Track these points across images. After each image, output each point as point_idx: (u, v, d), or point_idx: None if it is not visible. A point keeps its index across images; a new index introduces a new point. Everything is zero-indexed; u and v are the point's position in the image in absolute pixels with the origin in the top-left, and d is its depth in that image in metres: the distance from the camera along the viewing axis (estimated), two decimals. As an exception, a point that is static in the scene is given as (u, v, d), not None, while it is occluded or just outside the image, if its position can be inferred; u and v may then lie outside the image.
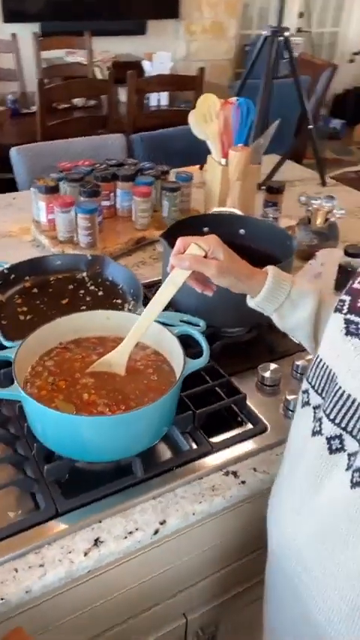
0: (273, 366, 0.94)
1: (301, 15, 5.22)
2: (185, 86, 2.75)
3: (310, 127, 1.68)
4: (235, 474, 0.79)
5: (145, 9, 4.19)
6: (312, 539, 0.60)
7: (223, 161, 1.33)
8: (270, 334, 1.01)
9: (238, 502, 0.78)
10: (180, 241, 0.75)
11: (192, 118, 1.32)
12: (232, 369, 0.95)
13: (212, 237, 0.75)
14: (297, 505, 0.63)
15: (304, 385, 0.65)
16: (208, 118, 1.32)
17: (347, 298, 0.60)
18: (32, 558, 0.67)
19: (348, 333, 0.58)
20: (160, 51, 3.48)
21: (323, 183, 1.78)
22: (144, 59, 3.59)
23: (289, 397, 0.88)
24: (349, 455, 0.56)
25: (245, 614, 0.96)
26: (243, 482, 0.78)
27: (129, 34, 4.30)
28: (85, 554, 0.68)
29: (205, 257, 0.73)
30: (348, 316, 0.59)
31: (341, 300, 0.61)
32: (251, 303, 0.76)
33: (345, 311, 0.59)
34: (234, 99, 1.29)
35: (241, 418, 0.88)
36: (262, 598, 0.77)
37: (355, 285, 0.59)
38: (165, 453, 0.82)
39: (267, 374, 0.93)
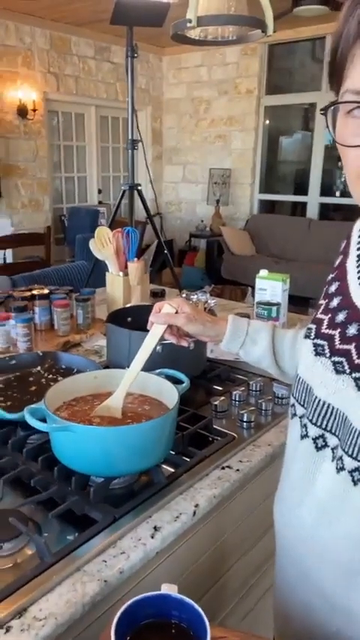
0: (220, 398, 1.22)
1: (99, 191, 6.28)
2: (35, 241, 3.15)
3: (166, 251, 2.15)
4: (229, 467, 1.02)
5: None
6: (312, 524, 0.68)
7: (121, 274, 1.68)
8: (205, 382, 1.30)
9: (239, 484, 0.99)
10: (156, 305, 0.98)
11: (92, 244, 1.67)
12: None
13: (179, 298, 0.99)
14: (297, 499, 0.72)
15: (291, 400, 0.76)
16: (105, 244, 1.68)
17: (313, 326, 0.72)
18: (112, 551, 0.79)
19: (317, 354, 0.69)
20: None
21: (180, 291, 2.23)
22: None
23: (242, 411, 1.16)
24: (332, 449, 0.66)
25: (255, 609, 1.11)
26: (237, 470, 1.01)
27: None
28: (152, 537, 0.82)
29: (176, 313, 0.94)
30: (315, 340, 0.70)
31: (309, 328, 0.73)
32: (221, 346, 0.94)
33: (312, 336, 0.71)
34: (123, 228, 1.68)
35: (212, 437, 1.12)
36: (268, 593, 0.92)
37: (318, 316, 0.72)
38: (167, 469, 1.00)
39: (217, 402, 1.21)
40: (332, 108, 0.55)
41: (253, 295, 1.67)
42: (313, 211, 5.83)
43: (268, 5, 1.33)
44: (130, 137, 2.47)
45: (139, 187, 2.33)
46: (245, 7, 1.31)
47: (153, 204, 2.87)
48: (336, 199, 5.81)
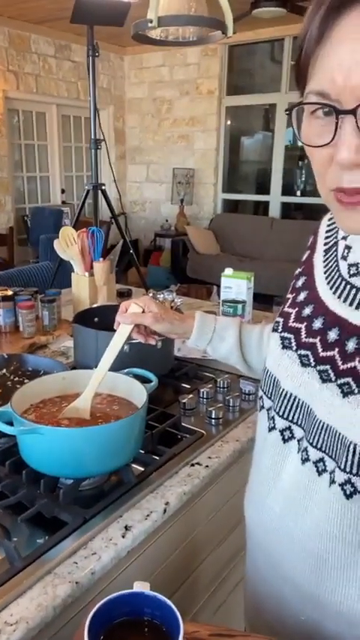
0: (188, 396, 1.23)
1: (62, 191, 6.21)
2: (-3, 243, 3.09)
3: (131, 251, 2.15)
4: (198, 463, 1.02)
5: None
6: (280, 515, 0.70)
7: (86, 274, 1.66)
8: (172, 380, 1.31)
9: (208, 480, 1.00)
10: (123, 304, 0.97)
11: (57, 245, 1.65)
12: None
13: (146, 297, 0.98)
14: (265, 490, 0.73)
15: (260, 393, 0.76)
16: (69, 244, 1.66)
17: (280, 320, 0.73)
18: (83, 552, 0.78)
19: (283, 347, 0.70)
20: None
21: (147, 290, 2.23)
22: None
23: (210, 408, 1.17)
24: (298, 440, 0.67)
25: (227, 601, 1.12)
26: (206, 466, 1.02)
27: None
28: (123, 536, 0.82)
29: (143, 312, 0.94)
30: (282, 334, 0.71)
31: (276, 322, 0.74)
32: (188, 343, 0.95)
33: (280, 330, 0.72)
34: (88, 228, 1.67)
35: (180, 435, 1.12)
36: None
37: (285, 309, 0.73)
38: (137, 468, 1.00)
39: (185, 400, 1.21)
40: (297, 108, 0.56)
41: (218, 294, 1.68)
42: (275, 210, 5.92)
43: (228, 7, 1.35)
44: (92, 136, 2.45)
45: (103, 187, 2.32)
46: (205, 8, 1.32)
47: (117, 203, 2.86)
48: (297, 198, 5.92)
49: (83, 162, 6.36)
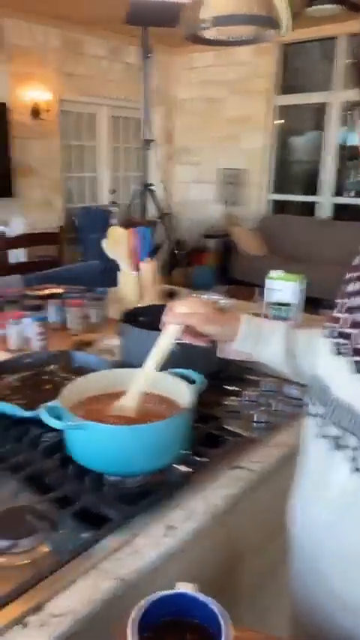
0: (232, 398, 1.22)
1: (113, 191, 6.30)
2: (48, 241, 3.17)
3: (177, 251, 2.15)
4: (242, 467, 1.02)
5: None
6: (328, 525, 0.69)
7: (134, 273, 1.68)
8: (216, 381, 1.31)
9: (252, 485, 0.99)
10: (170, 304, 0.96)
11: (105, 244, 1.68)
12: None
13: (193, 299, 0.98)
14: (311, 498, 0.72)
15: (307, 399, 0.76)
16: (118, 243, 1.68)
17: (333, 325, 0.72)
18: (127, 549, 0.79)
19: (338, 353, 0.69)
20: (14, 218, 3.96)
21: (192, 290, 2.23)
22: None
23: (254, 412, 1.16)
24: (352, 448, 0.65)
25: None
26: (251, 470, 1.01)
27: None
28: (166, 536, 0.82)
29: (191, 313, 0.92)
30: (335, 339, 0.70)
31: (328, 327, 0.73)
32: (233, 345, 0.92)
33: (332, 335, 0.71)
34: (136, 228, 1.69)
35: (224, 438, 1.12)
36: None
37: (337, 315, 0.72)
38: (181, 468, 1.00)
39: (229, 403, 1.21)
40: (358, 108, 0.54)
41: (261, 295, 1.66)
42: (325, 211, 5.80)
43: (283, 5, 1.33)
44: (143, 137, 2.47)
45: (152, 187, 2.34)
46: (261, 6, 1.31)
47: (164, 204, 2.87)
48: (348, 199, 5.78)
49: (131, 162, 6.44)
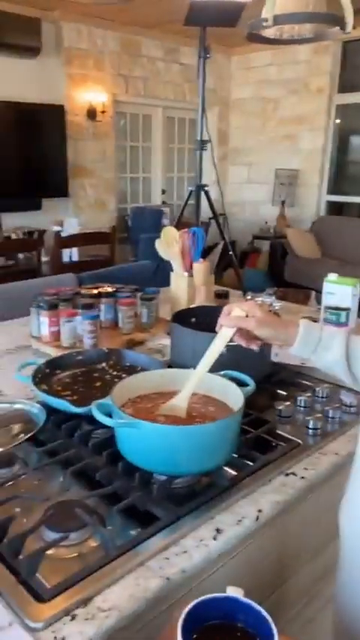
0: (285, 403, 1.20)
1: (163, 192, 6.35)
2: (101, 240, 3.22)
3: (231, 252, 2.14)
4: (293, 473, 1.00)
5: (41, 190, 4.85)
6: None
7: (186, 274, 1.68)
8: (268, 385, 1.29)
9: (303, 492, 0.97)
10: (226, 307, 0.96)
11: (158, 244, 1.69)
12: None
13: (250, 302, 0.97)
14: None
15: None
16: (170, 244, 1.69)
17: None
18: (174, 549, 0.79)
19: None
20: (69, 218, 4.07)
21: (244, 292, 2.21)
22: (46, 228, 4.16)
23: (308, 418, 1.14)
24: None
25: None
26: (302, 477, 0.99)
27: (25, 210, 4.88)
28: (214, 538, 0.82)
29: (246, 317, 0.93)
30: None
31: None
32: (291, 350, 0.91)
33: None
34: (189, 229, 1.69)
35: (275, 443, 1.10)
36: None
37: None
38: (230, 471, 0.99)
39: (281, 407, 1.19)
40: None
41: (317, 299, 1.63)
42: (383, 214, 5.61)
43: (347, 2, 1.29)
44: (199, 137, 2.48)
45: (207, 188, 2.33)
46: (323, 4, 1.28)
47: (218, 204, 2.87)
48: None
49: (184, 163, 6.46)
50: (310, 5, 1.21)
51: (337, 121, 5.89)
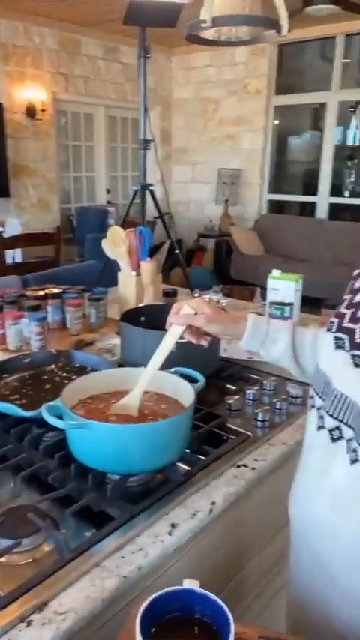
0: (234, 397, 1.23)
1: (108, 191, 6.30)
2: (46, 241, 3.16)
3: (177, 251, 2.16)
4: (244, 465, 1.02)
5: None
6: (327, 515, 0.70)
7: (133, 273, 1.68)
8: (218, 381, 1.31)
9: (254, 482, 1.00)
10: (175, 305, 0.97)
11: (105, 244, 1.68)
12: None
13: (198, 299, 0.99)
14: (312, 489, 0.74)
15: (311, 392, 0.78)
16: (117, 243, 1.68)
17: (336, 320, 0.73)
18: (130, 547, 0.79)
19: (337, 347, 0.71)
20: (10, 219, 3.96)
21: (191, 290, 2.24)
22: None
23: (257, 411, 1.16)
24: (347, 440, 0.68)
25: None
26: (253, 468, 1.01)
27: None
28: (170, 533, 0.82)
29: (195, 313, 0.93)
30: (336, 334, 0.72)
31: (331, 322, 0.74)
32: (240, 344, 0.93)
33: (334, 330, 0.73)
34: (135, 228, 1.69)
35: (226, 436, 1.12)
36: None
37: (341, 310, 0.74)
38: (183, 467, 1.00)
39: (231, 401, 1.21)
40: None
41: (262, 295, 1.67)
42: (322, 211, 5.81)
43: (283, 5, 1.33)
44: (142, 137, 2.48)
45: (151, 187, 2.34)
46: (260, 7, 1.31)
47: (163, 204, 2.88)
48: (346, 199, 5.79)
49: (128, 162, 6.44)
50: (247, 8, 1.24)
51: (276, 122, 6.04)
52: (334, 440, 0.69)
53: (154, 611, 0.53)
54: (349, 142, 5.76)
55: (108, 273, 2.17)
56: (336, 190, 5.74)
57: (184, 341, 0.98)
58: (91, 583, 0.73)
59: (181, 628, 0.54)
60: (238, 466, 1.01)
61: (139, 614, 0.51)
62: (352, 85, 5.35)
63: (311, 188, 5.89)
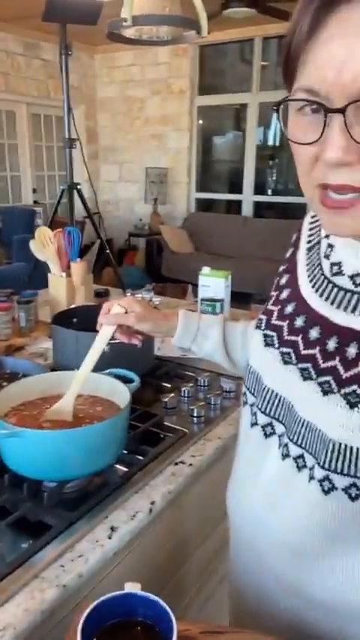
0: (170, 395, 1.23)
1: (34, 191, 6.14)
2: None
3: (108, 251, 2.14)
4: (182, 462, 1.03)
5: None
6: (261, 508, 0.71)
7: (64, 274, 1.65)
8: (153, 379, 1.31)
9: (192, 478, 1.01)
10: (105, 305, 0.96)
11: (33, 245, 1.63)
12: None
13: (128, 298, 0.97)
14: (247, 485, 0.74)
15: (243, 389, 0.77)
16: (46, 244, 1.64)
17: (264, 317, 0.74)
18: (70, 555, 0.78)
19: (266, 344, 0.71)
20: None
21: (124, 290, 2.23)
22: None
23: (192, 407, 1.18)
24: (279, 436, 0.68)
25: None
26: (190, 464, 1.02)
27: None
28: (110, 537, 0.82)
29: (126, 312, 0.92)
30: (265, 331, 0.72)
31: (259, 319, 0.74)
32: (172, 341, 0.93)
33: (263, 327, 0.73)
34: (63, 228, 1.65)
35: (163, 434, 1.12)
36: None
37: (269, 307, 0.74)
38: (121, 468, 1.00)
39: (167, 399, 1.21)
40: (283, 105, 0.55)
41: (194, 292, 1.69)
42: (247, 209, 5.96)
43: (202, 7, 1.35)
44: (67, 136, 2.43)
45: (79, 186, 2.30)
46: (179, 7, 1.32)
47: (91, 203, 2.84)
48: (269, 197, 5.98)
49: (54, 161, 6.29)
50: (167, 8, 1.25)
51: (200, 122, 6.13)
52: (266, 436, 0.70)
53: (96, 619, 0.52)
54: (270, 142, 5.97)
55: (38, 275, 2.11)
56: (260, 189, 5.91)
57: (117, 341, 0.97)
58: (30, 596, 0.71)
59: (123, 633, 0.53)
60: (176, 463, 1.02)
61: (81, 624, 0.50)
62: (271, 87, 5.54)
63: (237, 187, 6.03)
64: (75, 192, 2.35)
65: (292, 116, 0.55)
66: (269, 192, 6.01)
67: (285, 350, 0.68)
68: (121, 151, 6.51)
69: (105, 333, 0.94)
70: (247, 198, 5.94)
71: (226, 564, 0.92)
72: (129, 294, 1.71)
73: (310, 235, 0.73)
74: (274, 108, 0.55)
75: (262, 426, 0.71)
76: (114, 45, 5.75)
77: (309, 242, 0.73)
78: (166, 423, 1.14)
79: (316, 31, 0.49)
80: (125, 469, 0.97)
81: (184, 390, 1.27)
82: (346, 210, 0.53)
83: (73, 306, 1.53)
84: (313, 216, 0.75)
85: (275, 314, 0.72)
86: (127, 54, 6.05)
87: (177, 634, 0.50)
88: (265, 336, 0.72)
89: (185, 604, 1.11)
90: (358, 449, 0.57)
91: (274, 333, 0.71)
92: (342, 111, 0.48)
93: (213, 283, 1.62)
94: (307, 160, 0.54)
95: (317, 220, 0.74)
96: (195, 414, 1.17)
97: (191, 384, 1.30)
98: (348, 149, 0.49)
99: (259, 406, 0.71)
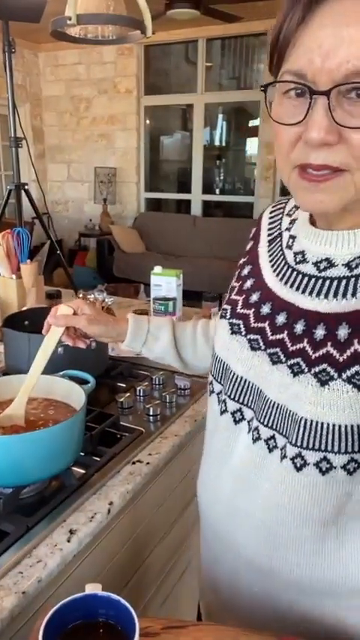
0: (125, 394, 1.23)
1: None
2: None
3: (58, 251, 2.11)
4: (139, 461, 1.03)
5: None
6: (232, 493, 0.72)
7: (14, 276, 1.61)
8: (108, 380, 1.31)
9: (150, 477, 1.01)
10: (54, 307, 0.94)
11: (-22, 247, 1.58)
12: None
13: (78, 300, 0.96)
14: (216, 471, 0.75)
15: (209, 378, 0.78)
16: (-8, 246, 1.60)
17: (228, 307, 0.76)
18: (28, 561, 0.77)
19: (232, 332, 0.73)
20: None
21: (76, 291, 2.20)
22: None
23: (148, 406, 1.18)
24: (248, 421, 0.70)
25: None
26: (147, 463, 1.02)
27: None
28: (68, 540, 0.81)
29: (75, 314, 0.91)
30: (231, 320, 0.74)
31: (224, 309, 0.77)
32: (122, 345, 0.94)
33: (228, 316, 0.75)
34: (12, 229, 1.62)
35: (120, 434, 1.12)
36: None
37: (233, 297, 0.77)
38: (78, 470, 0.99)
39: (122, 399, 1.21)
40: (271, 86, 0.58)
41: (146, 292, 1.69)
42: (196, 208, 6.01)
43: (146, 7, 1.35)
44: (12, 135, 2.37)
45: (26, 187, 2.25)
46: (123, 7, 1.32)
47: (40, 203, 2.79)
48: (217, 197, 6.06)
49: (0, 161, 6.13)
50: (111, 7, 1.24)
51: (148, 121, 6.13)
52: (236, 422, 0.72)
53: (58, 623, 0.51)
54: (217, 143, 6.05)
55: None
56: (208, 188, 5.98)
57: (66, 344, 0.96)
58: (-13, 605, 0.69)
59: (86, 634, 0.53)
60: (133, 462, 1.02)
61: (42, 630, 0.49)
62: (216, 88, 5.61)
63: (185, 186, 6.07)
64: (23, 192, 2.30)
65: (277, 98, 0.58)
66: (217, 191, 6.08)
67: (252, 337, 0.70)
68: (68, 151, 6.41)
69: (53, 335, 0.92)
70: (196, 197, 5.99)
71: (187, 559, 0.94)
72: (81, 295, 1.69)
73: (271, 229, 0.77)
74: (262, 89, 0.59)
75: (232, 413, 0.72)
76: (58, 43, 5.66)
77: (270, 235, 0.76)
78: (122, 423, 1.14)
79: (307, 19, 0.54)
80: (82, 471, 0.97)
81: (140, 390, 1.27)
82: (322, 183, 0.57)
83: (24, 308, 1.50)
84: (272, 212, 0.79)
85: (240, 303, 0.74)
86: (72, 52, 5.97)
87: (139, 631, 0.51)
88: (232, 324, 0.74)
89: (147, 600, 1.12)
90: (328, 424, 0.59)
91: (240, 321, 0.73)
92: (327, 93, 0.52)
93: (165, 282, 1.63)
94: (288, 141, 0.58)
95: (277, 215, 0.77)
96: (151, 413, 1.17)
97: (146, 383, 1.30)
98: (329, 130, 0.53)
99: (228, 393, 0.72)
